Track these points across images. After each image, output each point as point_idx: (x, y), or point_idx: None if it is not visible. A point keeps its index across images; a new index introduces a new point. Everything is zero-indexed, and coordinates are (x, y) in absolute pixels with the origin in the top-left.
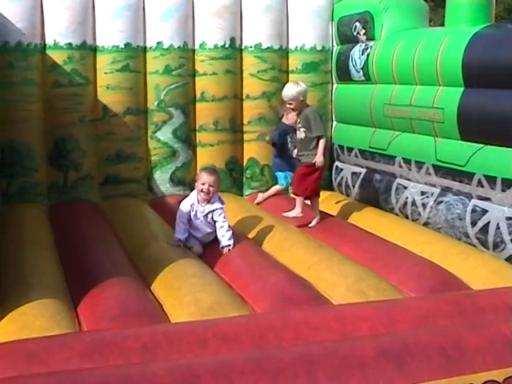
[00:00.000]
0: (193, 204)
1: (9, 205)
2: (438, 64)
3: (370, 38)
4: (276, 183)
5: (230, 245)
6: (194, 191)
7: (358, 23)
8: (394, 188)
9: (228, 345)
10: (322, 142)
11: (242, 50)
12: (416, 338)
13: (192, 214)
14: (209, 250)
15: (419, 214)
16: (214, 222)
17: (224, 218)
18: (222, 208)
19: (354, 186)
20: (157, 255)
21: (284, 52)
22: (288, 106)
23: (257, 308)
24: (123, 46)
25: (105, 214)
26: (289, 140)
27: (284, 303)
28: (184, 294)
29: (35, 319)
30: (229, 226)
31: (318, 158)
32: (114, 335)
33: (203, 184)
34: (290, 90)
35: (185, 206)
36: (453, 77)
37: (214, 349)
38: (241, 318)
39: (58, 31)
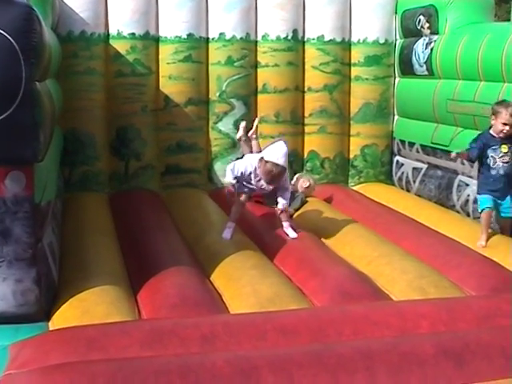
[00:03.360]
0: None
1: (71, 193)
2: (502, 60)
3: (434, 31)
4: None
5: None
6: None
7: (422, 17)
8: (455, 185)
9: (287, 337)
10: None
11: (304, 42)
12: (477, 337)
13: (255, 180)
14: (269, 242)
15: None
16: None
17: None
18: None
19: (414, 182)
20: (216, 246)
21: (346, 45)
22: None
23: (316, 302)
24: (186, 37)
25: (165, 203)
26: (490, 154)
27: (343, 297)
28: (243, 286)
29: (96, 305)
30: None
31: None
32: (173, 324)
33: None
34: None
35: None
36: None
37: (272, 341)
38: (300, 312)
39: (122, 21)
